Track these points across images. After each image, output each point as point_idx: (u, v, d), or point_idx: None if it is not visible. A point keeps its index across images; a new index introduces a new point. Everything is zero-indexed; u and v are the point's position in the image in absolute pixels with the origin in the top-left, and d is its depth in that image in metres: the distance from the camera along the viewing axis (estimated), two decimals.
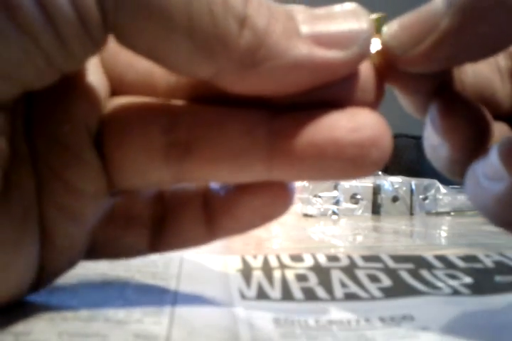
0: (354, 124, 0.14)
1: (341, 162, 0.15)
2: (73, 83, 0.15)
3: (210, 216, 0.18)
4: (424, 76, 0.17)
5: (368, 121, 0.15)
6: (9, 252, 0.14)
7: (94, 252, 0.17)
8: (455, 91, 0.17)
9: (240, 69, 0.13)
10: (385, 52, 0.16)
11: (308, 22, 0.14)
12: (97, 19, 0.12)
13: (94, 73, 0.16)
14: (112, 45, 0.15)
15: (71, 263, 0.17)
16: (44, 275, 0.16)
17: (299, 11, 0.14)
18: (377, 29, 0.16)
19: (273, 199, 0.17)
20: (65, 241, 0.16)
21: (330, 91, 0.15)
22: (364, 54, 0.14)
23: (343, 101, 0.15)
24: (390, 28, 0.16)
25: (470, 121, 0.17)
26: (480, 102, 0.17)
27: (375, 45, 0.16)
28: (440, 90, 0.17)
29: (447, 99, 0.17)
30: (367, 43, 0.14)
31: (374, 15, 0.16)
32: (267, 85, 0.14)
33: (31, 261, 0.15)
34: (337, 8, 0.14)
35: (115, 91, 0.17)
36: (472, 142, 0.17)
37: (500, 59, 0.18)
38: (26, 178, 0.15)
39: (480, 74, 0.18)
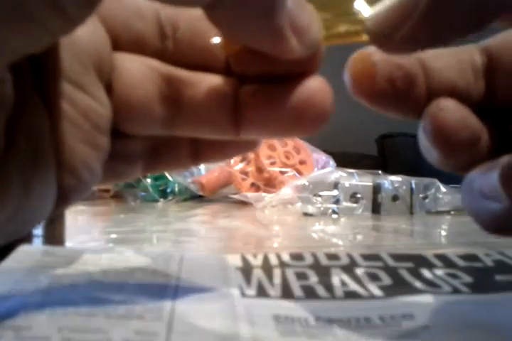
0: (304, 97, 0.17)
1: (297, 127, 0.17)
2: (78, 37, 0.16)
3: (196, 148, 0.20)
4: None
5: (316, 92, 0.17)
6: (21, 193, 0.15)
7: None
8: (450, 99, 0.18)
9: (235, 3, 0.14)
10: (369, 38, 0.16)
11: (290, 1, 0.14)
12: None
13: (98, 29, 0.17)
14: (108, 7, 0.16)
15: (88, 190, 0.18)
16: (63, 202, 0.17)
17: None
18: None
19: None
20: (86, 172, 0.17)
21: (284, 68, 0.17)
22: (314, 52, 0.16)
23: (295, 74, 0.17)
24: (372, 15, 0.16)
25: (463, 131, 0.17)
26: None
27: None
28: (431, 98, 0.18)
29: (440, 107, 0.17)
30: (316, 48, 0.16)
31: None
32: (240, 27, 0.15)
33: (49, 194, 0.16)
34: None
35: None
36: (463, 150, 0.17)
37: (476, 55, 0.18)
38: (36, 120, 0.16)
39: (447, 74, 0.18)
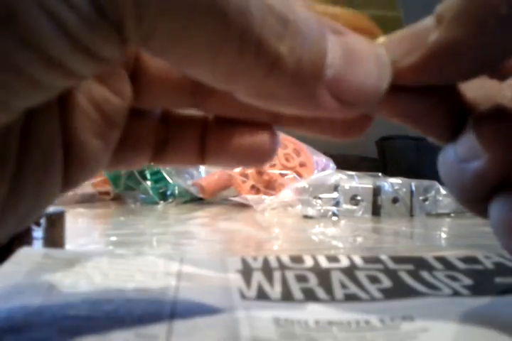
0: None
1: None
2: None
3: (203, 146, 0.19)
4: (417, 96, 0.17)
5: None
6: (32, 198, 0.15)
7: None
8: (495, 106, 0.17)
9: (257, 92, 0.14)
10: None
11: (335, 64, 0.14)
12: (110, 33, 0.12)
13: None
14: None
15: (91, 177, 0.18)
16: (64, 190, 0.17)
17: (332, 43, 0.14)
18: None
19: (258, 147, 0.19)
20: (94, 163, 0.17)
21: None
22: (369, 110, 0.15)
23: None
24: (381, 41, 0.16)
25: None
26: None
27: None
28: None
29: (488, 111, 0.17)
30: (376, 102, 0.15)
31: (381, 39, 0.16)
32: (268, 104, 0.15)
33: (57, 189, 0.16)
34: (368, 47, 0.15)
35: None
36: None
37: (506, 90, 0.18)
38: (49, 126, 0.15)
39: (484, 88, 0.18)
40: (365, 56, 0.14)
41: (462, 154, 0.17)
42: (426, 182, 0.70)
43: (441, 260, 0.25)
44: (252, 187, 0.83)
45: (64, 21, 0.11)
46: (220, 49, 0.13)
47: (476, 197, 0.17)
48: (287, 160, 0.84)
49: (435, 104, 0.17)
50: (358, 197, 0.67)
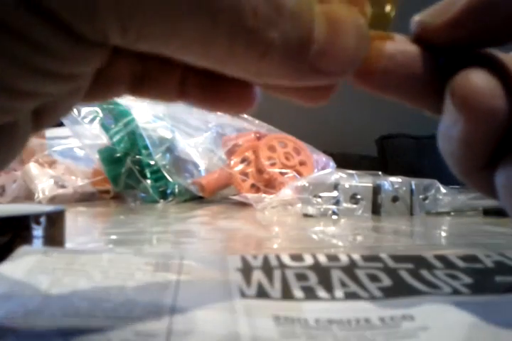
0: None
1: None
2: None
3: (183, 88, 0.19)
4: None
5: None
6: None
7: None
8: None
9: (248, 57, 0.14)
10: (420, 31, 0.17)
11: (321, 39, 0.14)
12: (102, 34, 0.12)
13: None
14: None
15: (63, 117, 0.18)
16: (36, 132, 0.17)
17: (318, 15, 0.14)
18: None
19: (238, 96, 0.18)
20: (65, 108, 0.17)
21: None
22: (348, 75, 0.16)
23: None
24: (426, 10, 0.17)
25: (495, 98, 0.16)
26: None
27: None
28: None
29: (471, 75, 0.17)
30: (352, 71, 0.15)
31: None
32: (252, 75, 0.15)
33: (26, 133, 0.16)
34: (350, 18, 0.15)
35: None
36: (495, 122, 0.16)
37: None
38: None
39: None
40: (347, 27, 0.15)
41: (446, 121, 0.17)
42: (426, 181, 0.70)
43: (441, 259, 0.25)
44: (252, 185, 0.83)
45: (44, 63, 0.12)
46: (211, 43, 0.13)
47: (472, 166, 0.17)
48: (287, 158, 0.84)
49: (418, 73, 0.17)
50: (358, 196, 0.67)
